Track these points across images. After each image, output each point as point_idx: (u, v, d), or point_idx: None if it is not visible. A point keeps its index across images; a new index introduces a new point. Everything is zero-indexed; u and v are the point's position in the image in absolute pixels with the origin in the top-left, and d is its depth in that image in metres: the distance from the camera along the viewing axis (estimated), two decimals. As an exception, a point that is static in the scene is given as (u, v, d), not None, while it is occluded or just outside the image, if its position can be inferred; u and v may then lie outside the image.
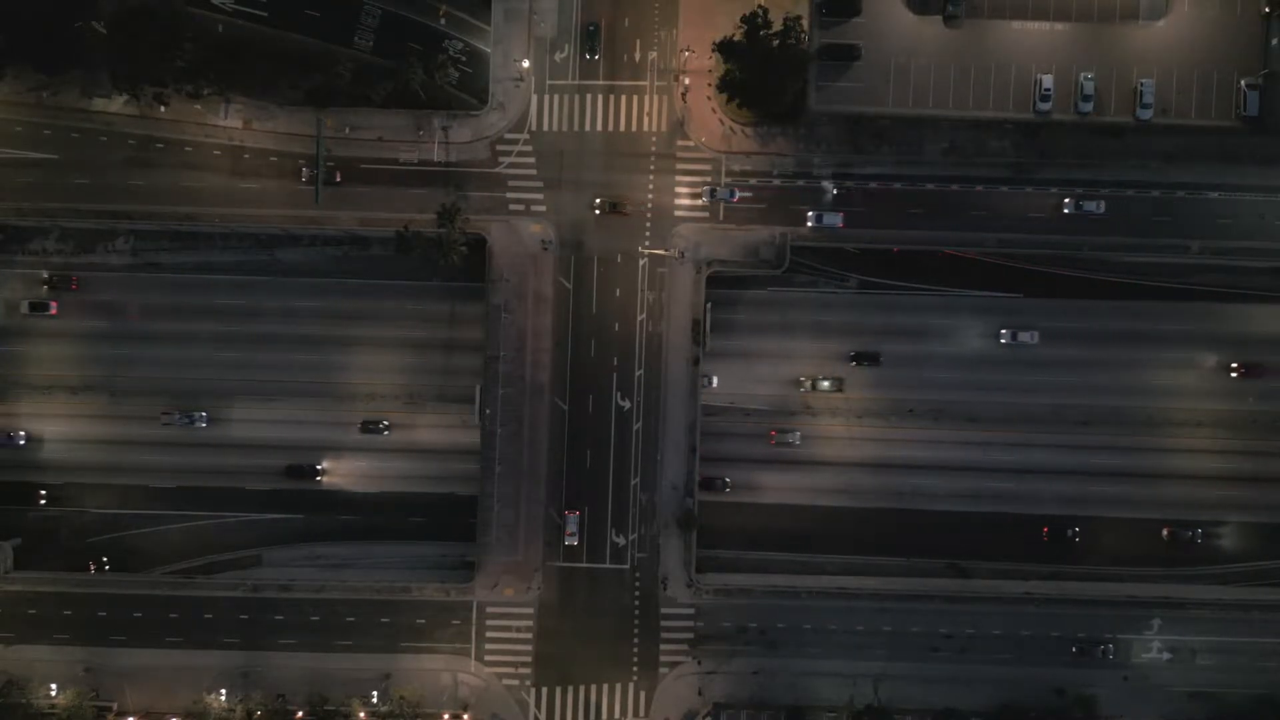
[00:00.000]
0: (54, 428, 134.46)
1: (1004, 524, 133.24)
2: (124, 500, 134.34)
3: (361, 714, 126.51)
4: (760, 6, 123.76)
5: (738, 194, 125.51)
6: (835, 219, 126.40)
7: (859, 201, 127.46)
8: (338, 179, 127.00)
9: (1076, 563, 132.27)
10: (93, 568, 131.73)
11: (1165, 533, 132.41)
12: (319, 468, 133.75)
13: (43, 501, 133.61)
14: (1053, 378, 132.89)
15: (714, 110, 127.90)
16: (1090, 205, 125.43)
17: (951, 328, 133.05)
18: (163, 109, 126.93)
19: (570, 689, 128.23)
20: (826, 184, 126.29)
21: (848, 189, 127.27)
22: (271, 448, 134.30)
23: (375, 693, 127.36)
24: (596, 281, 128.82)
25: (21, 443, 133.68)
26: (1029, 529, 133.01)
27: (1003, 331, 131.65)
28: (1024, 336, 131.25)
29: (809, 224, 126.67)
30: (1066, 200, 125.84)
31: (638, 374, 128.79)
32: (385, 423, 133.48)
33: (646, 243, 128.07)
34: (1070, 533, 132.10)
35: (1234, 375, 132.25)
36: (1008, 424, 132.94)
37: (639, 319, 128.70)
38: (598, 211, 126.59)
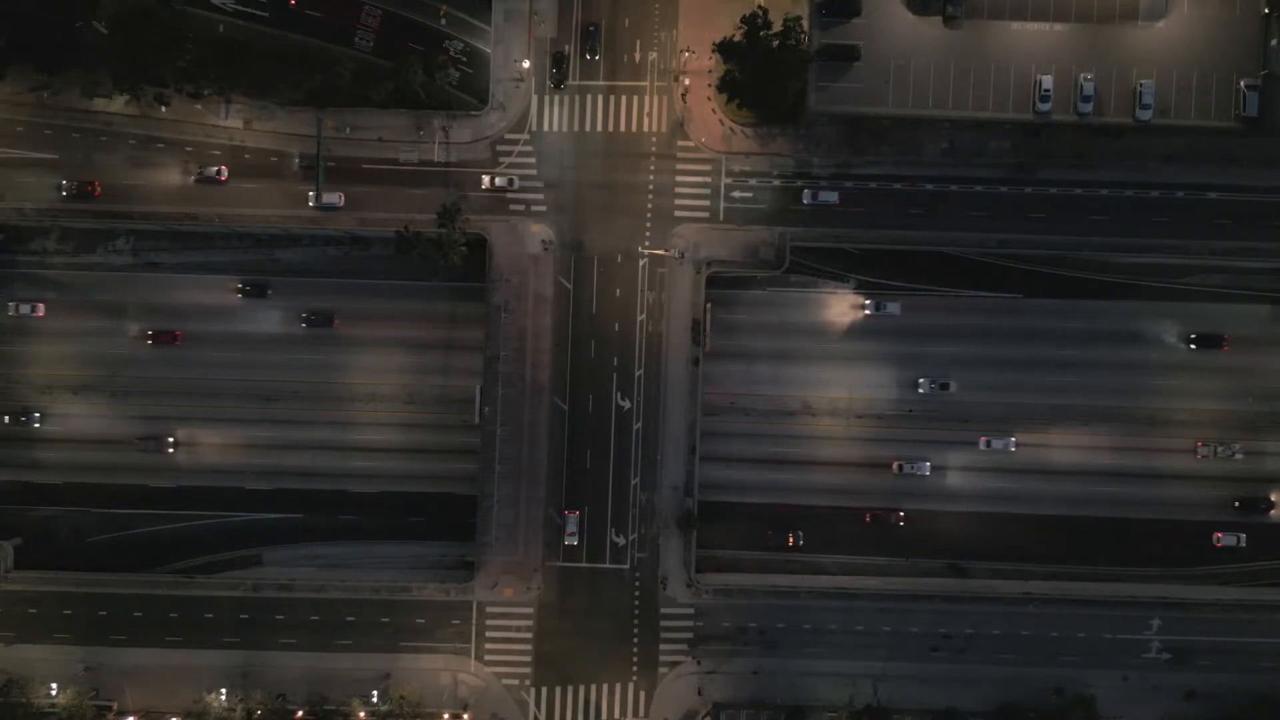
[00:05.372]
0: (54, 427, 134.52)
1: (1004, 524, 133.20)
2: (124, 500, 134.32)
3: (361, 714, 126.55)
4: (760, 7, 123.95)
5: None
6: (831, 196, 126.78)
7: (859, 201, 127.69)
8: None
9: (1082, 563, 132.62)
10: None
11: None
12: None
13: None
14: (1052, 378, 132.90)
15: (714, 111, 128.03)
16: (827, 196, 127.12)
17: (952, 328, 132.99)
18: (163, 109, 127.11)
19: (570, 689, 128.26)
20: (825, 195, 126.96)
21: (848, 188, 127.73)
22: (270, 448, 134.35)
23: (375, 693, 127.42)
24: (596, 281, 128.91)
25: (37, 425, 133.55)
26: (1029, 528, 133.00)
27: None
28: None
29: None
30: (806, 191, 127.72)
31: (638, 374, 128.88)
32: None
33: (646, 243, 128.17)
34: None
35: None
36: (1006, 424, 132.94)
37: (639, 319, 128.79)
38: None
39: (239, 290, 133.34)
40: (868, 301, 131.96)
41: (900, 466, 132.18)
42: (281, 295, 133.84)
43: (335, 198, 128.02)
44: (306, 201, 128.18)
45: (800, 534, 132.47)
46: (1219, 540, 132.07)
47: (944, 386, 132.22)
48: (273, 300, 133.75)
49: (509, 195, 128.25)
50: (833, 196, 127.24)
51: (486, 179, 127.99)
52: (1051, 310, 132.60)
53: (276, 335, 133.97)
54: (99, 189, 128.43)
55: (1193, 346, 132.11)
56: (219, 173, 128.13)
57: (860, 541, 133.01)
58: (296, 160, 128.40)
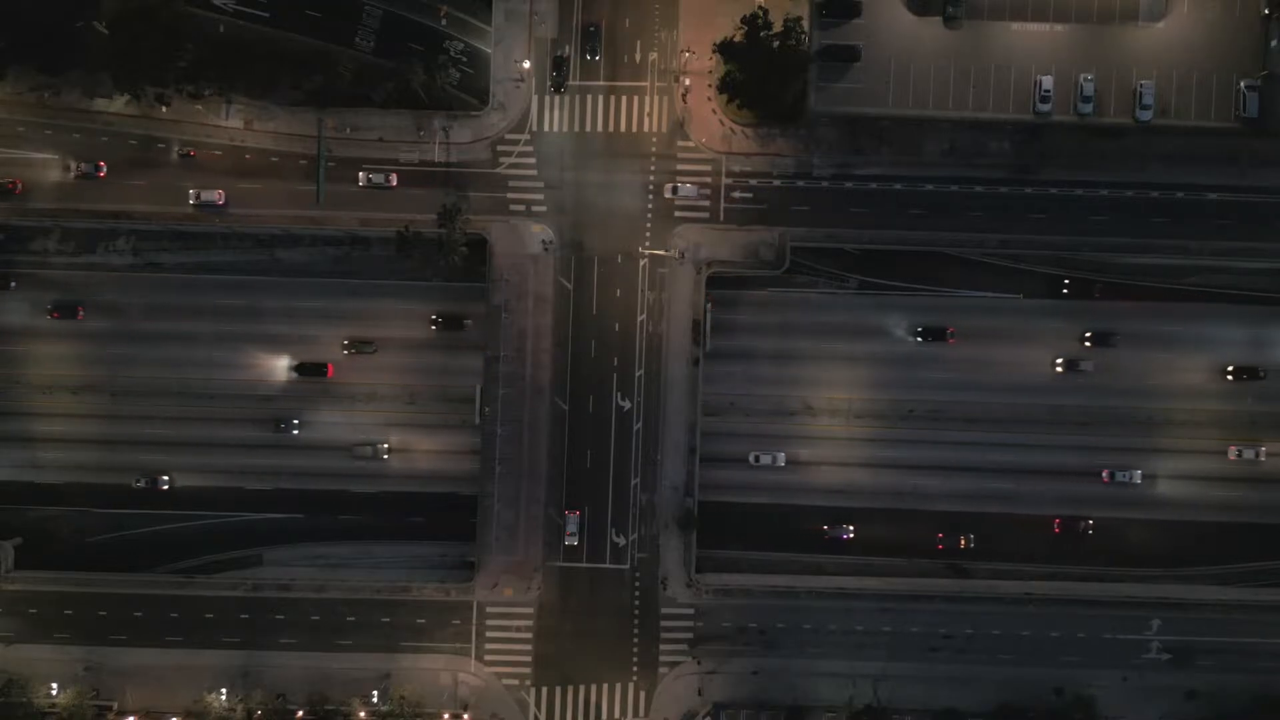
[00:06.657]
0: (54, 428, 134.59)
1: (1004, 524, 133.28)
2: (124, 500, 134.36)
3: (361, 714, 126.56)
4: (760, 7, 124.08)
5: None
6: (690, 190, 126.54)
7: (859, 201, 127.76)
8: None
9: (1084, 562, 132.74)
10: None
11: None
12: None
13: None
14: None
15: (714, 111, 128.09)
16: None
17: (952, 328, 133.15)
18: (164, 109, 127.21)
19: (570, 689, 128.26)
20: (685, 189, 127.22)
21: (846, 188, 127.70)
22: (270, 447, 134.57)
23: (375, 693, 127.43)
24: (597, 282, 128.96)
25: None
26: (1029, 529, 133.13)
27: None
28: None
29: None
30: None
31: (638, 374, 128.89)
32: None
33: (647, 243, 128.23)
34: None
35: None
36: (1007, 424, 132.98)
37: (639, 319, 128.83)
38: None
39: None
40: None
41: (1111, 474, 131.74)
42: (26, 288, 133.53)
43: (214, 195, 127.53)
44: (186, 199, 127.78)
45: (972, 537, 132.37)
46: None
47: None
48: (16, 292, 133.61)
49: (510, 194, 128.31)
50: (692, 191, 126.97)
51: (363, 175, 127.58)
52: (1051, 310, 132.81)
53: (275, 334, 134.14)
54: (20, 186, 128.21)
55: (919, 339, 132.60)
56: (98, 169, 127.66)
57: (1043, 550, 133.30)
58: (176, 150, 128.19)
